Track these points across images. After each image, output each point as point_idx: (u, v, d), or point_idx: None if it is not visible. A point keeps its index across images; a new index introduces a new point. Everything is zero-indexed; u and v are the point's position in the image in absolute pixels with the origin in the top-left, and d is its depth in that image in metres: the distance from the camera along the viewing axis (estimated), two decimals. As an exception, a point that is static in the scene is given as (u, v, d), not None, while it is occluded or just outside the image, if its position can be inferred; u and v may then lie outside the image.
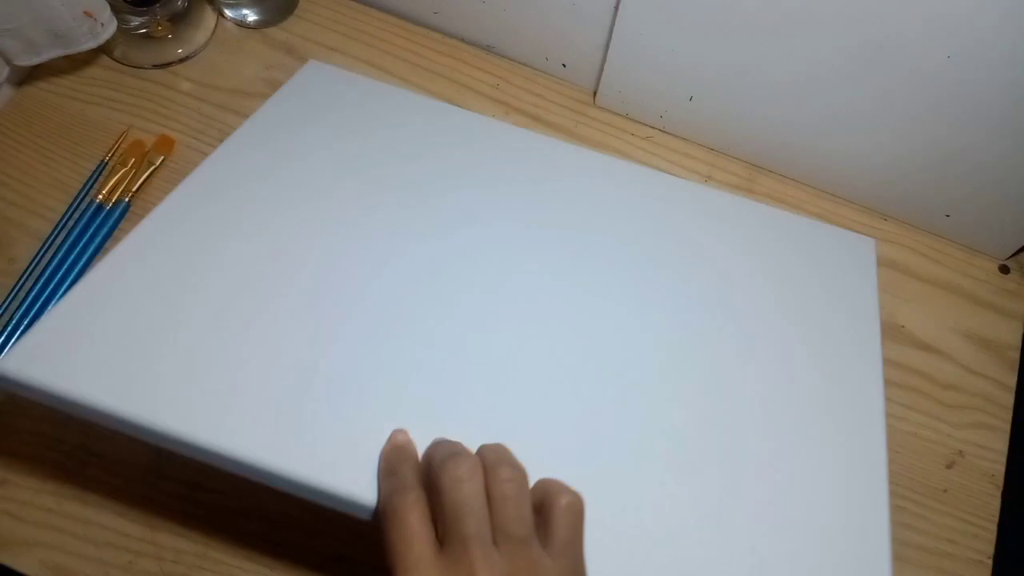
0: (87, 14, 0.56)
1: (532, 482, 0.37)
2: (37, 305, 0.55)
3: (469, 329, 0.47)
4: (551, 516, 0.36)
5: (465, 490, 0.34)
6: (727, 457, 0.45)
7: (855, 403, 0.48)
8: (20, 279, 0.56)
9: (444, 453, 0.36)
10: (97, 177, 0.59)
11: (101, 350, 0.44)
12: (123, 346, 0.45)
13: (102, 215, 0.58)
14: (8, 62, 0.58)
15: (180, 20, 0.65)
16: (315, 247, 0.50)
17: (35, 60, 0.58)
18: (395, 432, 0.40)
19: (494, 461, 0.36)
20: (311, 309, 0.48)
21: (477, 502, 0.34)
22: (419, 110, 0.61)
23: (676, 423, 0.45)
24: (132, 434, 0.43)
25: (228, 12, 0.67)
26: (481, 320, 0.48)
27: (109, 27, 0.59)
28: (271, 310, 0.47)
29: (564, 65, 0.65)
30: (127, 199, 0.59)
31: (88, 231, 0.57)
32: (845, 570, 0.42)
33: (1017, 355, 0.59)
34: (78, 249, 0.57)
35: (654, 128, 0.65)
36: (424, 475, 0.37)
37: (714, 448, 0.45)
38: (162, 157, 0.60)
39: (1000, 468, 0.55)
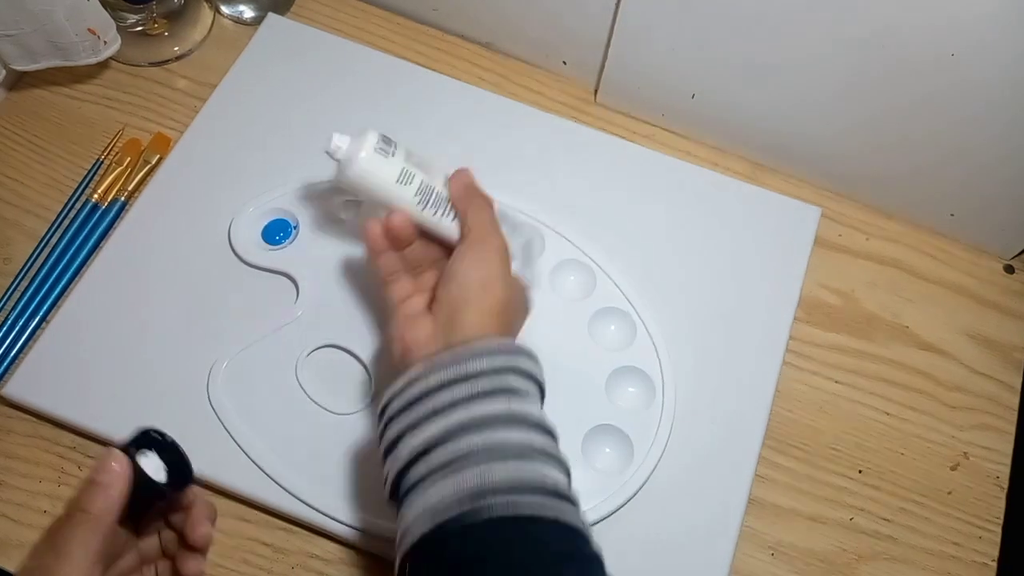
0: (91, 31, 0.56)
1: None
2: (33, 305, 0.54)
3: None
4: None
5: None
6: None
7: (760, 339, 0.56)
8: (16, 279, 0.55)
9: None
10: (93, 176, 0.59)
11: (86, 374, 0.51)
12: (106, 368, 0.51)
13: (98, 214, 0.57)
14: (5, 66, 0.57)
15: (176, 17, 0.64)
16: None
17: (32, 67, 0.58)
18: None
19: None
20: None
21: None
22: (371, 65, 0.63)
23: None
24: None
25: (225, 9, 0.66)
26: None
27: (112, 45, 0.59)
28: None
29: (564, 62, 0.65)
30: (123, 198, 0.58)
31: (84, 231, 0.57)
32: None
33: (1023, 356, 0.58)
34: (74, 249, 0.56)
35: (656, 126, 0.64)
36: None
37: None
38: (158, 156, 0.60)
39: (1005, 470, 0.55)
